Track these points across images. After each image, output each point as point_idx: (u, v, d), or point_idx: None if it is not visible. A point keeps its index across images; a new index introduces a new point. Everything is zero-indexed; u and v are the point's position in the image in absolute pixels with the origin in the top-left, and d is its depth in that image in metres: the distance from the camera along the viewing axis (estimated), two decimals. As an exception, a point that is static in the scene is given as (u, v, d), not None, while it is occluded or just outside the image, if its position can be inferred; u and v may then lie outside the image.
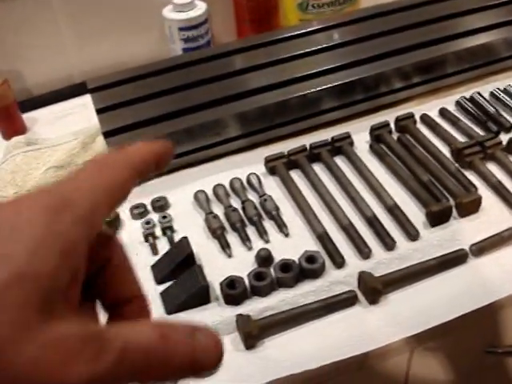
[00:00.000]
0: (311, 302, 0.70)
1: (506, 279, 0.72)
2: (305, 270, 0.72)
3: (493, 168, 0.86)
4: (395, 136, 0.92)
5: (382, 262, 0.74)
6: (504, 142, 0.88)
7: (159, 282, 0.75)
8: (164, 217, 0.82)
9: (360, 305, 0.71)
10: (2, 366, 0.22)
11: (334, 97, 0.96)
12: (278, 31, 1.12)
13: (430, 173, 0.85)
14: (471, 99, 0.98)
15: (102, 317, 0.32)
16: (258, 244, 0.78)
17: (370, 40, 1.05)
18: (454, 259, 0.74)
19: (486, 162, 0.87)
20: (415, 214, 0.80)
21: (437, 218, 0.78)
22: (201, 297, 0.71)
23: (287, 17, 1.18)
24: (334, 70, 0.99)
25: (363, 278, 0.71)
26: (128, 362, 0.24)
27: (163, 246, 0.80)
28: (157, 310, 0.71)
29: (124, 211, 0.85)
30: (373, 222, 0.78)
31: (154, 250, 0.79)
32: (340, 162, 0.90)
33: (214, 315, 0.69)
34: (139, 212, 0.84)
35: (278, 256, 0.75)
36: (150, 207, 0.85)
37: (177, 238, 0.80)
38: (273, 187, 0.87)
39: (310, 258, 0.73)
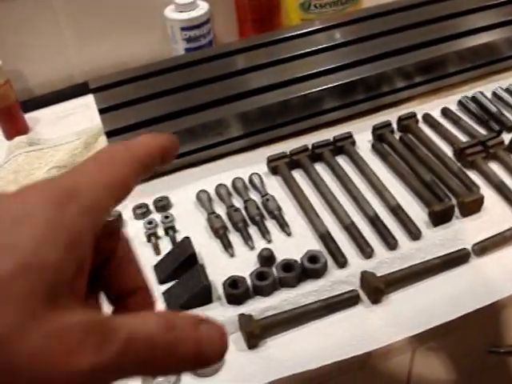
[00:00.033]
0: (313, 302, 0.70)
1: (508, 279, 0.72)
2: (307, 269, 0.72)
3: (495, 167, 0.86)
4: (397, 136, 0.92)
5: (384, 262, 0.74)
6: (506, 142, 0.88)
7: (161, 281, 0.75)
8: (166, 217, 0.83)
9: (362, 304, 0.71)
10: (6, 356, 0.22)
11: (336, 96, 0.96)
12: (280, 31, 1.12)
13: (432, 172, 0.85)
14: (473, 99, 0.98)
15: (107, 309, 0.32)
16: (260, 244, 0.78)
17: (372, 40, 1.05)
18: (457, 259, 0.74)
19: (488, 161, 0.87)
20: (417, 213, 0.80)
21: (439, 218, 0.78)
22: (203, 296, 0.71)
23: (289, 16, 1.18)
24: (335, 69, 0.99)
25: (365, 278, 0.71)
26: (132, 353, 0.24)
27: (165, 245, 0.80)
28: (160, 310, 0.71)
29: (126, 211, 0.85)
30: (375, 222, 0.78)
31: (157, 250, 0.79)
32: (342, 161, 0.90)
33: (217, 315, 0.69)
34: (141, 212, 0.84)
35: (280, 256, 0.75)
36: (152, 207, 0.86)
37: (179, 237, 0.80)
38: (275, 187, 0.87)
39: (312, 257, 0.73)
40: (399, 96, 1.01)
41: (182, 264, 0.74)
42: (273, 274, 0.71)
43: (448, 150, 0.90)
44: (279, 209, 0.82)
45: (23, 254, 0.23)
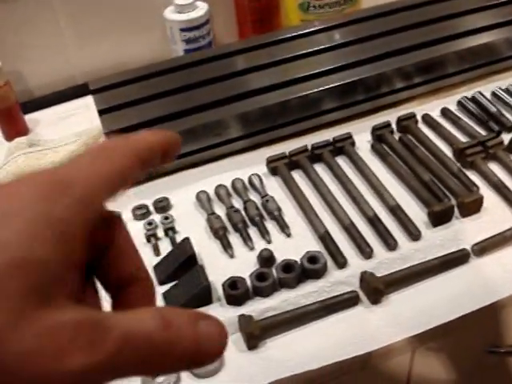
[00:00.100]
0: (313, 303, 0.70)
1: (507, 279, 0.72)
2: (307, 270, 0.72)
3: (494, 168, 0.86)
4: (397, 136, 0.93)
5: (383, 262, 0.74)
6: (506, 142, 0.88)
7: (161, 282, 0.75)
8: (166, 217, 0.83)
9: (362, 305, 0.71)
10: None
11: (336, 97, 0.96)
12: (280, 32, 1.12)
13: (431, 173, 0.85)
14: (473, 99, 0.98)
15: (107, 304, 0.31)
16: (259, 244, 0.78)
17: (371, 40, 1.05)
18: (456, 259, 0.74)
19: (487, 161, 0.87)
20: (417, 213, 0.80)
21: (439, 218, 0.78)
22: (203, 297, 0.71)
23: (288, 17, 1.18)
24: (335, 70, 0.99)
25: (365, 278, 0.71)
26: (128, 352, 0.24)
27: (165, 246, 0.80)
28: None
29: (126, 212, 0.85)
30: (375, 222, 0.78)
31: (156, 251, 0.79)
32: (342, 162, 0.90)
33: (216, 316, 0.69)
34: (141, 213, 0.84)
35: (280, 256, 0.75)
36: (152, 208, 0.86)
37: (179, 238, 0.80)
38: (274, 188, 0.87)
39: (312, 258, 0.73)
40: (399, 96, 1.01)
41: (182, 265, 0.74)
42: (272, 275, 0.72)
43: (447, 151, 0.90)
44: (279, 209, 0.82)
45: (10, 250, 0.23)
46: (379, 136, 0.92)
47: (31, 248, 0.23)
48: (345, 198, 0.84)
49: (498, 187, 0.82)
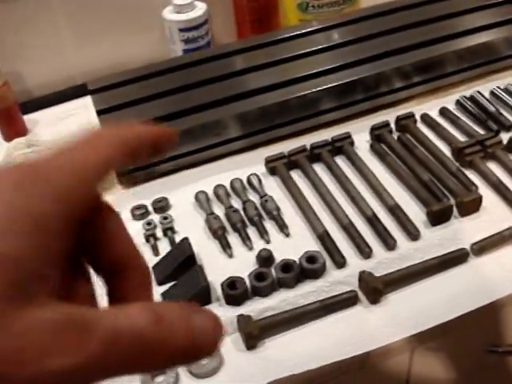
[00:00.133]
0: (312, 302, 0.70)
1: (506, 278, 0.72)
2: (305, 270, 0.72)
3: (493, 167, 0.86)
4: (395, 136, 0.93)
5: (382, 262, 0.74)
6: (504, 141, 0.88)
7: (160, 283, 0.75)
8: (165, 218, 0.83)
9: (361, 305, 0.71)
10: None
11: (334, 97, 0.96)
12: (278, 32, 1.12)
13: (430, 172, 0.85)
14: (471, 98, 0.98)
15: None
16: (258, 244, 0.78)
17: (370, 40, 1.05)
18: (455, 258, 0.74)
19: (486, 161, 0.87)
20: (416, 213, 0.80)
21: (437, 218, 0.78)
22: (202, 297, 0.71)
23: (287, 17, 1.18)
24: (333, 70, 0.99)
25: (364, 278, 0.71)
26: (117, 351, 0.23)
27: (164, 246, 0.80)
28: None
29: (125, 212, 0.85)
30: (373, 222, 0.78)
31: (155, 251, 0.79)
32: (340, 161, 0.90)
33: (215, 316, 0.69)
34: (140, 213, 0.84)
35: (279, 256, 0.75)
36: (150, 208, 0.86)
37: (178, 238, 0.80)
38: (273, 187, 0.87)
39: (311, 258, 0.73)
40: (397, 96, 1.01)
41: (181, 265, 0.74)
42: (271, 275, 0.72)
43: (446, 150, 0.90)
44: (278, 209, 0.82)
45: None
46: (378, 136, 0.92)
47: (6, 243, 0.22)
48: (344, 198, 0.84)
49: (497, 186, 0.82)
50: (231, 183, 0.87)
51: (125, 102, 0.96)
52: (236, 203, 0.84)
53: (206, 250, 0.78)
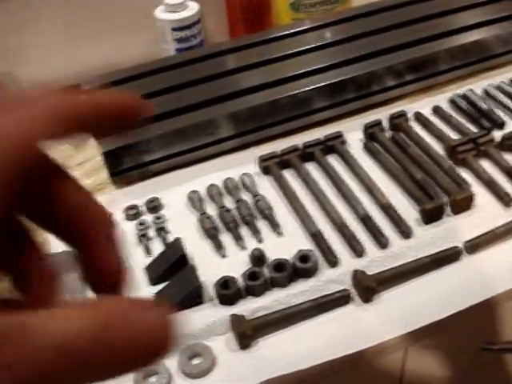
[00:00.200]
0: (305, 302, 0.70)
1: (500, 276, 0.72)
2: (298, 269, 0.72)
3: (486, 165, 0.86)
4: (388, 134, 0.92)
5: (375, 260, 0.74)
6: (497, 139, 0.88)
7: (153, 283, 0.74)
8: (158, 218, 0.82)
9: (354, 303, 0.71)
10: None
11: (327, 95, 0.96)
12: (270, 31, 1.12)
13: (423, 170, 0.85)
14: (464, 96, 0.98)
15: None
16: (251, 244, 0.78)
17: (362, 38, 1.05)
18: (448, 257, 0.74)
19: (479, 158, 0.87)
20: (409, 211, 0.80)
21: (430, 216, 0.78)
22: (194, 297, 0.71)
23: (280, 16, 1.18)
24: (326, 68, 0.99)
25: (357, 277, 0.71)
26: (46, 362, 0.19)
27: (157, 246, 0.80)
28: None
29: (118, 212, 0.85)
30: (366, 221, 0.78)
31: (148, 251, 0.79)
32: (333, 160, 0.90)
33: (208, 316, 0.69)
34: (133, 213, 0.84)
35: (272, 255, 0.74)
36: (143, 208, 0.85)
37: (171, 238, 0.79)
38: (266, 187, 0.86)
39: (304, 257, 0.73)
40: (390, 95, 1.01)
41: (174, 265, 0.74)
42: (264, 274, 0.71)
43: (439, 148, 0.90)
44: (270, 208, 0.82)
45: None
46: (371, 134, 0.92)
47: None
48: (336, 197, 0.84)
49: (490, 184, 0.82)
50: (224, 183, 0.87)
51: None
52: (229, 203, 0.84)
53: (198, 249, 0.78)
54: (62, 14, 1.12)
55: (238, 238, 0.78)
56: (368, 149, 0.91)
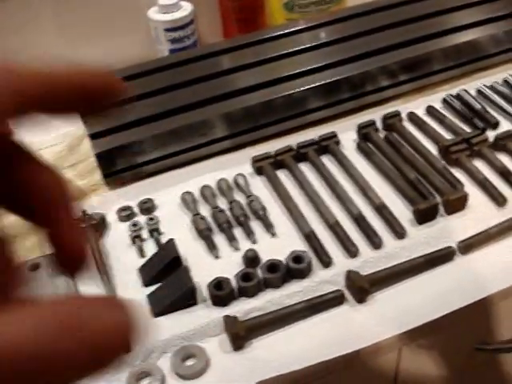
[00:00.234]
0: (298, 302, 0.70)
1: (493, 276, 0.72)
2: (292, 270, 0.72)
3: (479, 165, 0.86)
4: (382, 134, 0.92)
5: (369, 261, 0.74)
6: (490, 139, 0.88)
7: (146, 284, 0.74)
8: (151, 219, 0.82)
9: (347, 304, 0.71)
10: None
11: (321, 96, 0.96)
12: (264, 31, 1.12)
13: (416, 170, 0.85)
14: (458, 96, 0.99)
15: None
16: (245, 245, 0.78)
17: (356, 38, 1.05)
18: (442, 257, 0.74)
19: (472, 158, 0.87)
20: (402, 211, 0.80)
21: (424, 216, 0.78)
22: (188, 298, 0.70)
23: (273, 16, 1.17)
24: (320, 68, 0.98)
25: (350, 277, 0.71)
26: None
27: (150, 248, 0.79)
28: (144, 312, 0.71)
29: (111, 213, 0.84)
30: (360, 221, 0.78)
31: (141, 253, 0.79)
32: (327, 161, 0.90)
33: (202, 317, 0.69)
34: (126, 214, 0.84)
35: (266, 256, 0.74)
36: (136, 209, 0.85)
37: (164, 239, 0.79)
38: (260, 187, 0.86)
39: (297, 257, 0.73)
40: (384, 95, 1.01)
41: (167, 266, 0.73)
42: (257, 275, 0.71)
43: (433, 148, 0.90)
44: (264, 209, 0.81)
45: None
46: (364, 134, 0.92)
47: None
48: (330, 197, 0.84)
49: (483, 184, 0.82)
50: (217, 183, 0.86)
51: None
52: (222, 204, 0.84)
53: (192, 250, 0.78)
54: (58, 15, 1.12)
55: (231, 239, 0.78)
56: (361, 149, 0.91)
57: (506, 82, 1.01)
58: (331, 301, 0.70)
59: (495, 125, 0.93)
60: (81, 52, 1.15)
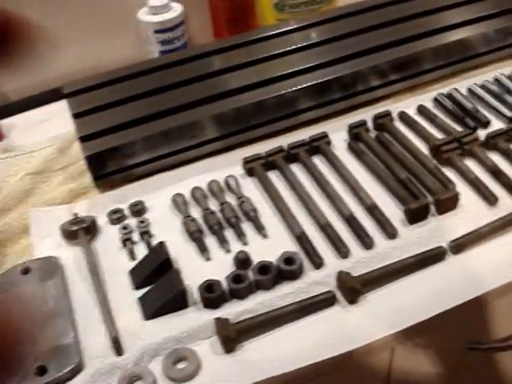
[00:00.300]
0: (290, 304, 0.69)
1: (484, 275, 0.72)
2: (283, 271, 0.72)
3: (470, 164, 0.86)
4: (373, 134, 0.92)
5: (360, 261, 0.74)
6: (482, 138, 0.88)
7: (137, 287, 0.74)
8: (142, 221, 0.82)
9: (339, 305, 0.70)
10: None
11: (312, 96, 0.96)
12: (255, 31, 1.11)
13: (408, 170, 0.85)
14: (449, 95, 0.98)
15: None
16: (236, 246, 0.77)
17: (347, 38, 1.05)
18: (433, 257, 0.74)
19: (463, 158, 0.87)
20: (393, 211, 0.80)
21: (415, 216, 0.78)
22: (179, 301, 0.70)
23: (264, 17, 1.17)
24: (311, 69, 0.98)
25: (341, 278, 0.70)
26: None
27: (141, 250, 0.79)
28: (135, 315, 0.71)
29: (101, 216, 0.84)
30: (351, 221, 0.78)
31: (132, 255, 0.78)
32: (318, 161, 0.89)
33: (193, 319, 0.69)
34: (117, 217, 0.83)
35: (257, 258, 0.74)
36: (127, 212, 0.85)
37: (155, 242, 0.79)
38: (251, 188, 0.86)
39: (288, 259, 0.73)
40: (375, 94, 1.01)
41: (158, 269, 0.73)
42: (249, 277, 0.71)
43: (424, 148, 0.90)
44: (255, 211, 0.81)
45: None
46: (355, 134, 0.92)
47: None
48: (321, 198, 0.83)
49: (474, 183, 0.82)
50: (208, 185, 0.86)
51: (101, 104, 0.95)
52: (213, 205, 0.84)
53: (183, 252, 0.78)
54: (46, 16, 1.11)
55: (222, 241, 0.78)
56: (352, 149, 0.90)
57: (496, 80, 1.01)
58: (323, 302, 0.70)
59: (486, 124, 0.93)
60: (70, 53, 1.15)
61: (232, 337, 0.66)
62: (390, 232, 0.76)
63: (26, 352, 0.66)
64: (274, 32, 1.08)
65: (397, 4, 1.13)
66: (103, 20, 1.15)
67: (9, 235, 0.84)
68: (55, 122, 1.06)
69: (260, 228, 0.79)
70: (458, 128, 0.93)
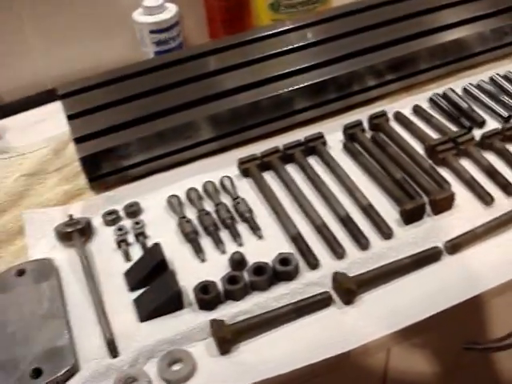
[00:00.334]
0: (285, 305, 0.69)
1: (480, 275, 0.72)
2: (278, 272, 0.72)
3: (466, 164, 0.86)
4: (369, 134, 0.92)
5: (356, 262, 0.74)
6: (477, 138, 0.88)
7: (132, 288, 0.74)
8: (137, 223, 0.82)
9: (335, 306, 0.70)
10: None
11: (307, 96, 0.96)
12: (251, 32, 1.11)
13: (403, 170, 0.85)
14: (444, 95, 0.98)
15: None
16: (231, 247, 0.77)
17: (343, 38, 1.05)
18: (429, 257, 0.74)
19: (459, 158, 0.87)
20: (389, 212, 0.80)
21: (411, 216, 0.78)
22: (174, 302, 0.70)
23: (259, 17, 1.17)
24: (306, 69, 0.98)
25: (337, 279, 0.70)
26: None
27: (136, 252, 0.79)
28: (130, 317, 0.70)
29: (97, 218, 0.84)
30: (347, 222, 0.78)
31: (127, 257, 0.78)
32: (313, 162, 0.89)
33: (188, 321, 0.69)
34: (112, 218, 0.83)
35: (252, 259, 0.74)
36: (122, 213, 0.84)
37: (150, 243, 0.79)
38: (246, 189, 0.86)
39: (284, 260, 0.72)
40: (370, 95, 1.01)
41: (153, 270, 0.73)
42: (244, 278, 0.71)
43: (419, 148, 0.89)
44: (250, 211, 0.81)
45: None
46: (351, 135, 0.92)
47: None
48: (317, 198, 0.83)
49: (470, 183, 0.82)
50: (204, 186, 0.86)
51: (96, 105, 0.94)
52: (209, 206, 0.83)
53: (178, 254, 0.77)
54: (41, 17, 1.11)
55: (217, 242, 0.78)
56: (348, 149, 0.90)
57: (492, 80, 1.01)
58: (318, 303, 0.70)
59: (482, 123, 0.93)
60: (65, 54, 1.15)
61: (227, 338, 0.66)
62: (385, 232, 0.76)
63: (21, 354, 0.66)
64: (269, 32, 1.07)
65: (392, 4, 1.12)
66: (98, 21, 1.15)
67: (3, 237, 0.83)
68: (50, 123, 1.05)
69: (255, 229, 0.79)
70: (454, 128, 0.93)
